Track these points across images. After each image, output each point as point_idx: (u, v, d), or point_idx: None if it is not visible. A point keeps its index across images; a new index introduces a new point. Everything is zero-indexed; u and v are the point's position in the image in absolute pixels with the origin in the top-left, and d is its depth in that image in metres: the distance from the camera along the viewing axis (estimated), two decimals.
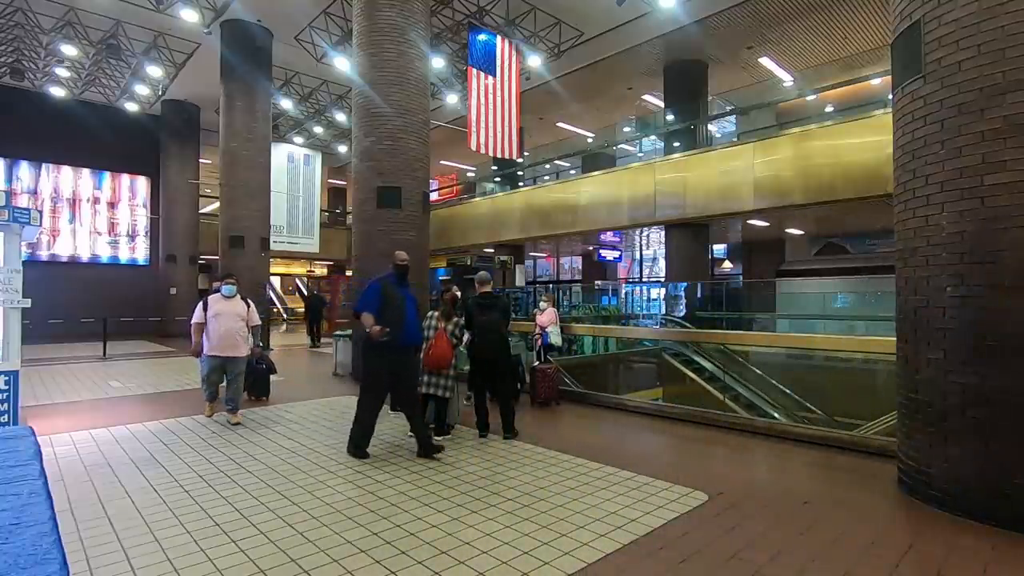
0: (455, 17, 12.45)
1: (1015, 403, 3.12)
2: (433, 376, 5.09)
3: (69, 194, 17.45)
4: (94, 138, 17.12)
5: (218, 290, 6.17)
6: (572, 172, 20.12)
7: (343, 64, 13.22)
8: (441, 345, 5.00)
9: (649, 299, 20.42)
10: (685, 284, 14.14)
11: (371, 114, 8.50)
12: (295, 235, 17.46)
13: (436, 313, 5.29)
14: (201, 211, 18.76)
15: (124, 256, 18.39)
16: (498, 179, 19.74)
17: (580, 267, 26.52)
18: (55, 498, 1.59)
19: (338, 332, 9.66)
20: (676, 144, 13.87)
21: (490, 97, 10.88)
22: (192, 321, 5.86)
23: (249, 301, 6.10)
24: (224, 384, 6.08)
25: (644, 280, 23.82)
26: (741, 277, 20.63)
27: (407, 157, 8.56)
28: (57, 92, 16.08)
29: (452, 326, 5.18)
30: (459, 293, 5.67)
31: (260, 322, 6.27)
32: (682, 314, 14.04)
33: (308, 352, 13.60)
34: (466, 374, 5.65)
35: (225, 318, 5.75)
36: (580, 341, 11.47)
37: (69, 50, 13.39)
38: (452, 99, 15.88)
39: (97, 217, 17.91)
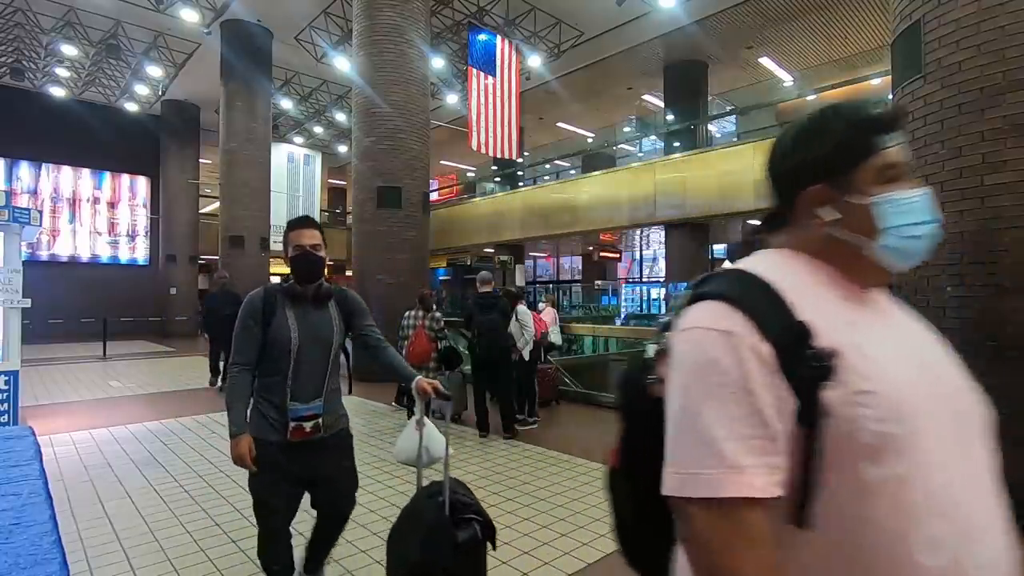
0: (455, 17, 12.44)
1: (1016, 404, 3.12)
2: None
3: (69, 194, 17.44)
4: (94, 138, 17.10)
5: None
6: (572, 172, 20.12)
7: (343, 64, 13.21)
8: (421, 340, 5.27)
9: (649, 299, 20.42)
10: (685, 284, 14.15)
11: (371, 114, 8.50)
12: None
13: (413, 312, 5.53)
14: (201, 211, 18.73)
15: (124, 256, 18.38)
16: (498, 179, 19.73)
17: (580, 267, 26.49)
18: (55, 498, 1.59)
19: None
20: (676, 144, 13.86)
21: (490, 97, 10.88)
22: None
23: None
24: None
25: (644, 280, 23.81)
26: None
27: (407, 157, 8.56)
28: (57, 92, 16.07)
29: (429, 320, 5.41)
30: (429, 291, 5.99)
31: None
32: None
33: None
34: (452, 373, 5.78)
35: None
36: (580, 341, 11.45)
37: (69, 50, 13.39)
38: (452, 99, 15.87)
39: (97, 217, 17.90)
